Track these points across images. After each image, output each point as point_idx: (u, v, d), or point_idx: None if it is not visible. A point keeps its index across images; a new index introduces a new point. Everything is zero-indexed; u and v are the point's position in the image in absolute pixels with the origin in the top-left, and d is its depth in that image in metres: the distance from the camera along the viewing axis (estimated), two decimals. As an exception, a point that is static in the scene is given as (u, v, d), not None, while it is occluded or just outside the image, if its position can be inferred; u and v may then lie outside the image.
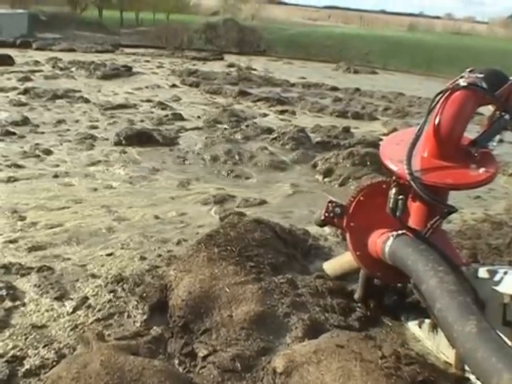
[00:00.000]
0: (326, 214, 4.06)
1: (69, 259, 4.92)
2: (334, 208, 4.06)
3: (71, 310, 4.07)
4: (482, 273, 3.46)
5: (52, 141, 9.06)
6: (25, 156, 8.06)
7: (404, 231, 3.50)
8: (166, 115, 11.85)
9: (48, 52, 23.30)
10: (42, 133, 9.60)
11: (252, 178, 8.05)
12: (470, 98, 3.50)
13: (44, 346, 3.58)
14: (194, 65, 23.62)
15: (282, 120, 12.76)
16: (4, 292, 4.21)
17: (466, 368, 3.38)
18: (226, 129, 10.99)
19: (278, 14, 63.66)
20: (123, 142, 9.19)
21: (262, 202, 6.95)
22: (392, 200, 3.54)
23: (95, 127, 10.39)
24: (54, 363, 3.36)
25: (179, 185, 7.39)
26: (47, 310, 4.07)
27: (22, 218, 5.77)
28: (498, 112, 3.64)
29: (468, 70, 3.66)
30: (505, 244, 5.77)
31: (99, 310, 4.08)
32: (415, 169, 3.39)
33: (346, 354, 3.17)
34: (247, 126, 11.38)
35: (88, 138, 9.34)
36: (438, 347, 3.78)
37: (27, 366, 3.39)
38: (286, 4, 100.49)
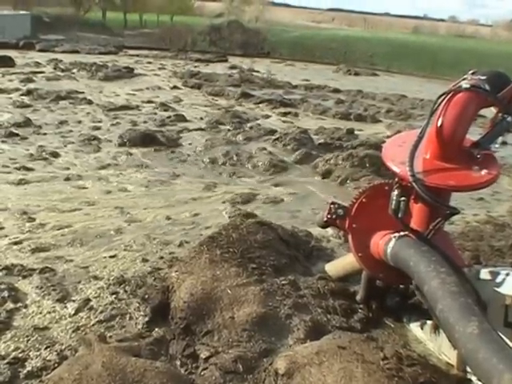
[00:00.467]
0: (329, 216, 4.07)
1: (71, 261, 4.92)
2: (337, 209, 4.06)
3: (73, 312, 4.07)
4: (484, 274, 3.46)
5: (56, 142, 9.08)
6: (32, 159, 8.05)
7: (406, 233, 3.50)
8: (169, 116, 11.88)
9: (49, 53, 23.30)
10: (45, 134, 9.62)
11: (251, 178, 8.09)
12: (472, 99, 3.50)
13: (46, 348, 3.58)
14: (195, 66, 23.63)
15: (284, 122, 12.75)
16: (6, 293, 4.20)
17: (468, 369, 3.37)
18: (229, 130, 11.03)
19: (282, 17, 63.77)
20: (127, 143, 9.20)
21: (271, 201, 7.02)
22: (394, 201, 3.54)
23: (98, 128, 10.42)
24: (56, 365, 3.36)
25: (203, 187, 7.42)
26: (49, 312, 4.06)
27: (31, 220, 5.77)
28: (500, 114, 3.63)
29: (471, 72, 3.66)
30: (507, 246, 5.75)
31: (101, 312, 4.08)
32: (417, 170, 3.39)
33: (348, 356, 3.17)
34: (251, 127, 11.40)
35: (92, 139, 9.34)
36: (439, 348, 3.77)
37: (29, 368, 3.38)
38: (289, 6, 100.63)
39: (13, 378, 3.29)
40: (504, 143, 3.76)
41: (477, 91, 3.48)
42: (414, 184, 3.35)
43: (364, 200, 4.03)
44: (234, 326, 3.71)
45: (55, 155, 8.32)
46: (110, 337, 3.71)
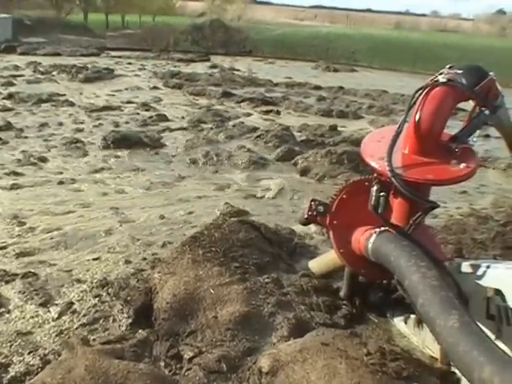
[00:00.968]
0: (309, 213, 4.06)
1: (55, 265, 4.88)
2: (317, 206, 4.06)
3: (56, 316, 4.04)
4: (465, 267, 3.47)
5: (38, 146, 8.96)
6: (21, 164, 7.91)
7: (386, 228, 3.50)
8: (151, 116, 11.84)
9: (29, 56, 22.99)
10: (26, 137, 9.51)
11: (233, 175, 8.15)
12: (449, 93, 3.51)
13: (29, 353, 3.55)
14: (175, 66, 23.56)
15: (266, 120, 12.73)
16: (-12, 299, 4.17)
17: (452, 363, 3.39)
18: (211, 128, 11.02)
19: (265, 15, 63.79)
20: (111, 145, 9.13)
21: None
22: (374, 197, 3.53)
23: (80, 130, 10.34)
24: (39, 370, 3.33)
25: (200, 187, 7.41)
26: (32, 317, 4.03)
27: (21, 224, 5.71)
28: (477, 107, 3.65)
29: (448, 66, 3.67)
30: (490, 238, 5.79)
31: (84, 315, 4.05)
32: (396, 165, 3.39)
33: (332, 352, 3.18)
34: (233, 125, 11.41)
35: (74, 141, 9.24)
36: (423, 342, 3.80)
37: (12, 373, 3.35)
38: (272, 4, 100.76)
39: (-5, 384, 3.27)
40: (487, 136, 3.78)
41: (453, 85, 3.49)
42: (392, 179, 3.35)
43: (344, 196, 4.04)
44: (218, 325, 3.71)
45: (43, 160, 8.21)
46: (94, 340, 3.69)
